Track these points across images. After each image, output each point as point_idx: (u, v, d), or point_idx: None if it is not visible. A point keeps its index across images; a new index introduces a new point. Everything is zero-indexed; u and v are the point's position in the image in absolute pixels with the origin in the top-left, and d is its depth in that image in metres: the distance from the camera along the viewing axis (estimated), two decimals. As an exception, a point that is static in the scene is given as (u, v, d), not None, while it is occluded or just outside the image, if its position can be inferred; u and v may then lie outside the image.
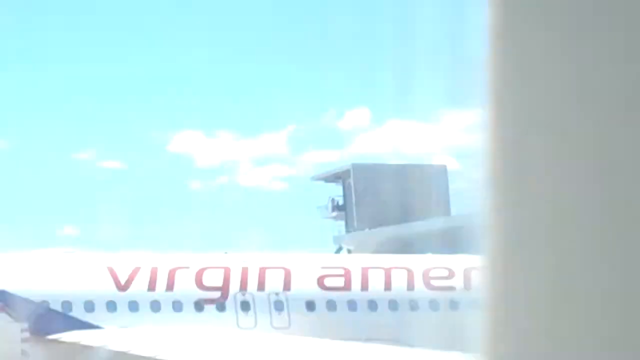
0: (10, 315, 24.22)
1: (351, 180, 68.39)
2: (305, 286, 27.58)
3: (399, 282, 27.95)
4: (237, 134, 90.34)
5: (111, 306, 25.84)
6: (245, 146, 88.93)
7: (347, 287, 27.70)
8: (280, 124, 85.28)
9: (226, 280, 27.09)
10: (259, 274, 27.49)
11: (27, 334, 23.66)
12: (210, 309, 26.49)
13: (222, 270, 27.40)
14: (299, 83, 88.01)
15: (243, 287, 27.12)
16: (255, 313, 26.72)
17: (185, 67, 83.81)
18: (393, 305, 27.63)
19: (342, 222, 70.68)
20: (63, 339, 24.09)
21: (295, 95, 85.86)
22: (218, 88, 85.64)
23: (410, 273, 28.11)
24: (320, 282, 27.72)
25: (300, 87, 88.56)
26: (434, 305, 27.47)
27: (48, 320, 24.55)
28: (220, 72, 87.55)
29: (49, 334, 24.09)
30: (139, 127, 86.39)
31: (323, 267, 28.48)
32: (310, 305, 27.30)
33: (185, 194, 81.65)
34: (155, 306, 26.17)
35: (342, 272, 28.18)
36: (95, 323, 24.93)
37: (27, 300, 24.53)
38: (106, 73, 76.36)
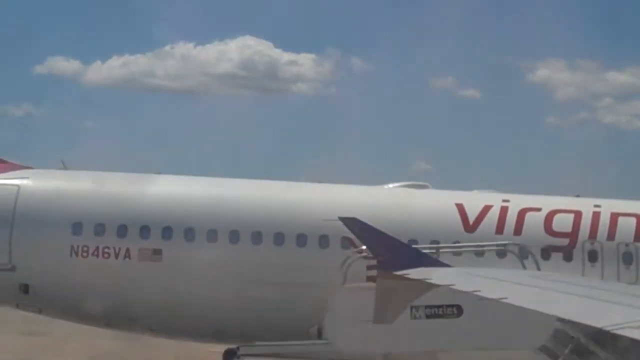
0: (356, 246, 24.11)
1: None
2: None
3: None
4: (602, 64, 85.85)
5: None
6: (609, 79, 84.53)
7: None
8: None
9: (576, 227, 26.45)
10: (610, 222, 26.60)
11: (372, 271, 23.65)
12: (557, 257, 25.89)
13: (572, 216, 26.70)
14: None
15: (592, 235, 26.38)
16: (602, 265, 26.00)
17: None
18: None
19: None
20: (411, 276, 23.84)
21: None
22: (581, 16, 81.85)
23: None
24: None
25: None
26: None
27: (401, 255, 24.67)
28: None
29: (397, 269, 24.14)
30: (499, 54, 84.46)
31: None
32: None
33: (542, 128, 79.26)
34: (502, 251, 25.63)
35: None
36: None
37: (380, 233, 24.78)
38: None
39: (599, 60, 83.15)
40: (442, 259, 24.75)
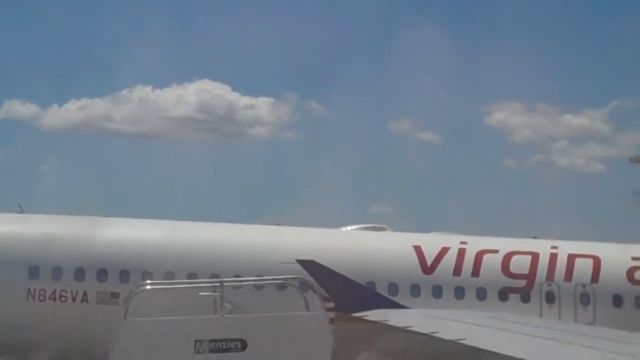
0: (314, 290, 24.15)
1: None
2: (614, 279, 26.59)
3: None
4: (558, 108, 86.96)
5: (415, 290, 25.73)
6: (565, 122, 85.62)
7: None
8: (602, 99, 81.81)
9: (533, 269, 26.58)
10: (567, 263, 26.77)
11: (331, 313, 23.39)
12: (514, 298, 25.99)
13: (530, 257, 26.79)
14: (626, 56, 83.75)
15: (550, 277, 26.53)
16: (559, 305, 26.14)
17: (504, 39, 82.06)
18: None
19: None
20: (369, 317, 23.74)
21: (621, 68, 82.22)
22: (540, 59, 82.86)
23: None
24: (629, 275, 26.61)
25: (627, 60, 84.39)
26: None
27: (359, 297, 24.41)
28: (552, 43, 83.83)
29: (354, 311, 23.88)
30: (457, 97, 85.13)
31: (634, 259, 26.99)
32: (618, 301, 26.22)
33: (500, 171, 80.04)
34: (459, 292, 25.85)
35: None
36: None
37: (338, 276, 24.55)
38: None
39: (555, 103, 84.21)
40: (397, 299, 24.90)
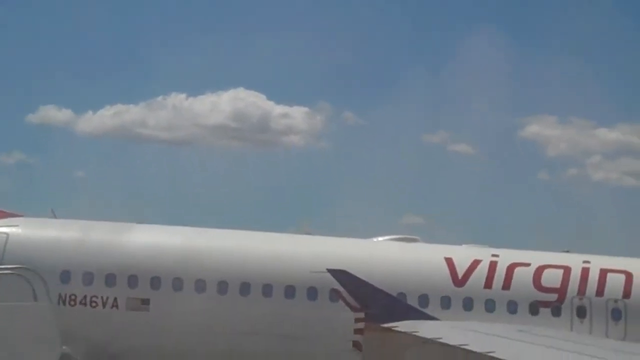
0: (345, 300, 24.28)
1: None
2: None
3: None
4: (592, 122, 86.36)
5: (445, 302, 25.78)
6: (600, 136, 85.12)
7: None
8: (636, 113, 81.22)
9: (564, 283, 26.47)
10: (599, 278, 26.65)
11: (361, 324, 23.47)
12: (545, 312, 25.95)
13: (561, 271, 26.72)
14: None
15: (581, 291, 26.39)
16: (590, 320, 26.03)
17: (539, 52, 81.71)
18: None
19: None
20: (398, 328, 23.68)
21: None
22: (574, 73, 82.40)
23: None
24: None
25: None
26: None
27: (389, 308, 24.19)
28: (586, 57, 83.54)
29: (384, 322, 23.99)
30: (491, 110, 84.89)
31: None
32: None
33: (533, 184, 79.63)
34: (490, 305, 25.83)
35: None
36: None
37: (368, 286, 24.37)
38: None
39: (589, 117, 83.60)
40: (428, 311, 24.84)
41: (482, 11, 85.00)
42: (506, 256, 27.01)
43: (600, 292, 26.32)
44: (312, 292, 25.58)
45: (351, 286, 24.35)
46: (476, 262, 26.60)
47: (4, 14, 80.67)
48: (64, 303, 25.39)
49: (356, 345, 24.50)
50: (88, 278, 25.63)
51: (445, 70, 76.36)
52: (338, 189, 70.62)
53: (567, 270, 26.68)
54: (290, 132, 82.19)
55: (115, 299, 25.52)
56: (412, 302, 25.34)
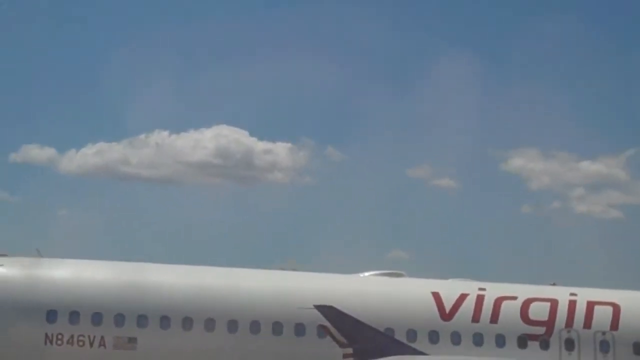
0: (333, 336, 24.28)
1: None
2: (634, 326, 26.46)
3: None
4: (575, 155, 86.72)
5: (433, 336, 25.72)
6: (582, 169, 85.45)
7: None
8: (618, 146, 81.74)
9: (552, 316, 26.48)
10: (587, 310, 26.67)
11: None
12: (533, 345, 25.89)
13: (549, 304, 26.75)
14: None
15: (569, 324, 26.39)
16: (579, 353, 25.98)
17: (521, 86, 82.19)
18: None
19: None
20: None
21: (637, 115, 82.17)
22: (556, 106, 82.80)
23: None
24: None
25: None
26: None
27: (377, 343, 24.46)
28: (568, 91, 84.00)
29: (372, 357, 24.03)
30: (474, 143, 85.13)
31: None
32: (638, 348, 26.04)
33: (517, 217, 79.79)
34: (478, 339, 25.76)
35: None
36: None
37: (356, 321, 24.69)
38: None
39: (572, 150, 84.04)
40: (416, 346, 24.80)
41: (465, 45, 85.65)
42: (493, 290, 27.01)
43: (587, 324, 26.34)
44: (300, 329, 25.47)
45: (338, 322, 24.36)
46: (463, 296, 26.57)
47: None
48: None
49: None
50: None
51: (428, 104, 76.72)
52: (323, 224, 70.73)
53: (554, 303, 26.70)
54: (273, 168, 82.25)
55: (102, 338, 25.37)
56: (400, 337, 25.31)
